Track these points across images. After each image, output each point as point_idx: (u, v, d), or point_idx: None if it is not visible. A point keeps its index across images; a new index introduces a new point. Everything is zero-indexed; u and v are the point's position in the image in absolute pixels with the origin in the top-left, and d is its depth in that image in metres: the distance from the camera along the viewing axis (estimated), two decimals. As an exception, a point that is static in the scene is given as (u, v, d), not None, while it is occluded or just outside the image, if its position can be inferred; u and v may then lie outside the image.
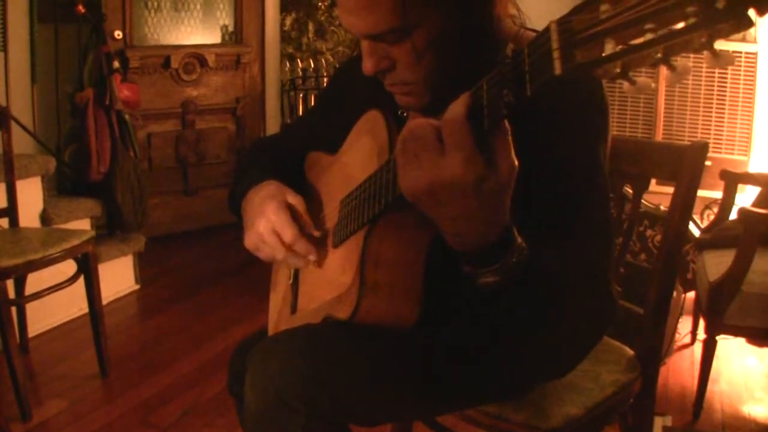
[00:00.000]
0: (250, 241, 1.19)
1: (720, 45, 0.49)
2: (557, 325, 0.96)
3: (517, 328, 1.01)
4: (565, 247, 0.94)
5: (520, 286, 0.86)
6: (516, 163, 0.78)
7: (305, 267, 1.21)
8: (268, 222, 1.14)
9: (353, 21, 0.97)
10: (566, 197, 0.99)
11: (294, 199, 1.18)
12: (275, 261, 1.22)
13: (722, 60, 0.49)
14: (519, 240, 0.85)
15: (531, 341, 1.03)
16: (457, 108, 0.77)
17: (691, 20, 0.48)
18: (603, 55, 0.54)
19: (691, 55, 0.52)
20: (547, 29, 0.62)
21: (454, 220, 0.81)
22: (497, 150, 0.77)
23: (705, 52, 0.50)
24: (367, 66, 1.01)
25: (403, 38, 0.96)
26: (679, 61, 0.52)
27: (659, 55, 0.51)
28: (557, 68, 0.60)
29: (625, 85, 0.56)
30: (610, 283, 1.00)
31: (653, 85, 0.56)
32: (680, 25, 0.49)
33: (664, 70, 0.54)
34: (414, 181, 0.80)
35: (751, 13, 0.46)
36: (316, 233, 1.17)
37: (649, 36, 0.51)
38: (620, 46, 0.53)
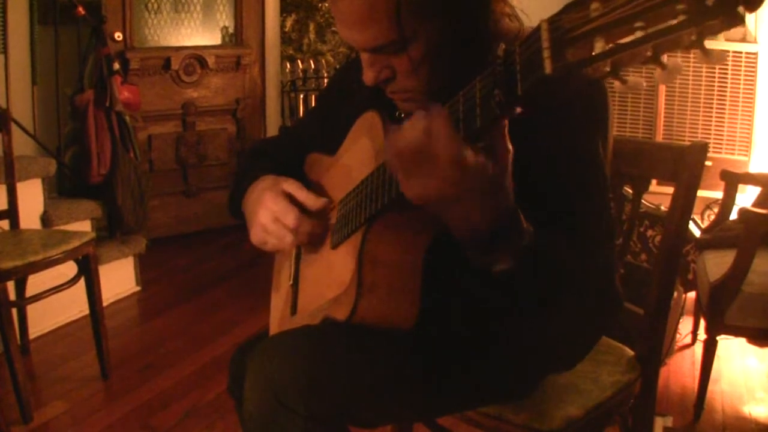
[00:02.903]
0: (255, 236, 1.20)
1: (720, 45, 0.49)
2: (561, 319, 0.97)
3: (522, 322, 1.01)
4: (566, 243, 0.94)
5: (531, 272, 0.87)
6: (510, 146, 0.79)
7: (316, 243, 1.22)
8: (268, 212, 1.16)
9: (351, 35, 0.98)
10: (565, 196, 0.99)
11: (289, 186, 1.18)
12: (284, 248, 1.23)
13: (712, 58, 0.49)
14: (525, 224, 0.86)
15: (535, 336, 1.04)
16: (438, 123, 0.77)
17: (681, 17, 0.48)
18: (593, 53, 0.54)
19: (691, 56, 0.52)
20: (538, 28, 0.62)
21: (465, 216, 0.83)
22: (493, 140, 0.78)
23: (695, 50, 0.49)
24: (368, 77, 1.02)
25: (401, 50, 0.97)
26: (670, 59, 0.51)
27: (649, 53, 0.51)
28: (547, 67, 0.60)
29: (616, 83, 0.55)
30: (614, 277, 1.01)
31: (644, 84, 0.56)
32: (670, 22, 0.49)
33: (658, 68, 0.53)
34: (421, 190, 0.81)
35: (741, 10, 0.46)
36: (319, 203, 1.16)
37: (639, 34, 0.51)
38: (610, 45, 0.53)
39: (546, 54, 0.60)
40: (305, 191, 1.18)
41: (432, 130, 0.78)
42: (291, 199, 1.17)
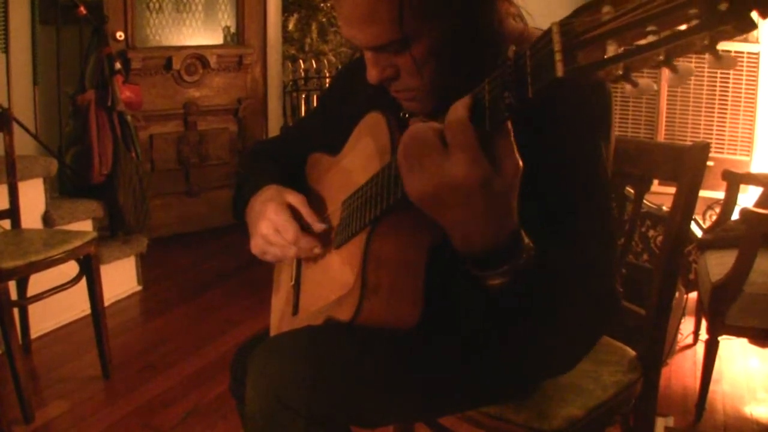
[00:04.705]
0: (255, 246, 1.20)
1: (722, 45, 0.49)
2: (560, 322, 0.97)
3: (520, 327, 1.01)
4: (568, 246, 0.95)
5: (525, 288, 0.87)
6: (520, 163, 0.78)
7: (314, 257, 1.22)
8: (269, 223, 1.16)
9: (354, 34, 0.98)
10: (568, 196, 0.99)
11: (294, 198, 1.18)
12: (285, 259, 1.24)
13: (724, 62, 0.49)
14: (527, 241, 0.85)
15: (533, 338, 1.04)
16: (459, 110, 0.77)
17: (694, 22, 0.48)
18: (605, 57, 0.54)
19: (693, 56, 0.52)
20: (548, 31, 0.62)
21: (461, 224, 0.82)
22: (500, 151, 0.77)
23: (707, 54, 0.49)
24: (372, 75, 1.02)
25: (403, 49, 0.97)
26: (682, 62, 0.51)
27: (661, 57, 0.51)
28: (559, 70, 0.60)
29: (627, 87, 0.55)
30: (614, 279, 1.01)
31: (655, 86, 0.56)
32: (682, 27, 0.49)
33: (666, 71, 0.53)
34: (419, 186, 0.81)
35: (754, 15, 0.46)
36: (319, 226, 1.17)
37: (651, 38, 0.50)
38: (622, 48, 0.53)
39: (558, 57, 0.60)
40: (308, 207, 1.18)
41: (451, 115, 0.78)
42: (294, 212, 1.17)
